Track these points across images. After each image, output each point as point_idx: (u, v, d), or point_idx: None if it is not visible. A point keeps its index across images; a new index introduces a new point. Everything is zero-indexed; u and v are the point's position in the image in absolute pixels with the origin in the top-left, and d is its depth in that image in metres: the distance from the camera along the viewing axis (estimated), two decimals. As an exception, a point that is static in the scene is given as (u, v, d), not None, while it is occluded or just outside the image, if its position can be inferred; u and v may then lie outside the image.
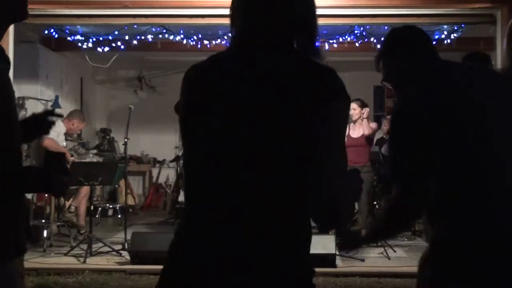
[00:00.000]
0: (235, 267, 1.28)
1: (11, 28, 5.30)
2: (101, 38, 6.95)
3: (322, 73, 1.34)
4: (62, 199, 6.26)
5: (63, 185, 1.65)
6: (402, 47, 1.94)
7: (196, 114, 1.36)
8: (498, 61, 5.05)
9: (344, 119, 1.34)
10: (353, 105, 6.18)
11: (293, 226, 1.30)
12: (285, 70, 1.32)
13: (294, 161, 1.27)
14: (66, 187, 1.69)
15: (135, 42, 6.88)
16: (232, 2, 1.42)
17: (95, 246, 5.54)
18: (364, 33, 6.63)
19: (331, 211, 1.30)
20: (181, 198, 7.63)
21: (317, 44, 1.44)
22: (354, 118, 6.16)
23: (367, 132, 6.06)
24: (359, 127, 6.17)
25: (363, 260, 5.36)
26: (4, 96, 1.56)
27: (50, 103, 7.46)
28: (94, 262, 5.23)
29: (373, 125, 6.30)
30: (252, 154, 1.28)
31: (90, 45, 6.98)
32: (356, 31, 6.56)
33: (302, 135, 1.26)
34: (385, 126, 7.33)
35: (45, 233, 5.87)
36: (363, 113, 6.15)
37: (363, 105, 6.22)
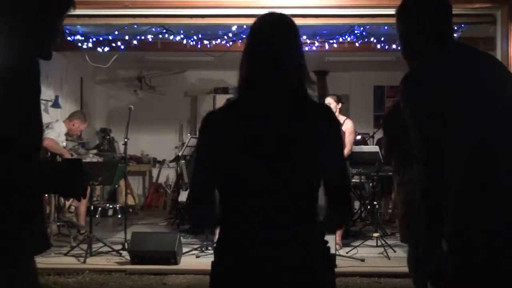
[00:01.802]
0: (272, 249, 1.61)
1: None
2: (101, 38, 6.94)
3: (323, 110, 1.70)
4: (62, 199, 6.26)
5: (85, 189, 1.73)
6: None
7: (228, 149, 1.65)
8: (498, 61, 5.05)
9: (341, 140, 1.72)
10: (329, 100, 6.18)
11: (308, 224, 1.65)
12: (294, 109, 1.64)
13: (309, 181, 1.64)
14: (86, 191, 1.77)
15: (135, 42, 6.87)
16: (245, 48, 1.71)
17: (95, 246, 5.54)
18: (364, 33, 6.62)
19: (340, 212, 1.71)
20: (181, 198, 7.63)
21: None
22: None
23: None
24: None
25: (363, 260, 5.36)
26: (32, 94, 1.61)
27: (50, 103, 7.46)
28: (94, 262, 5.23)
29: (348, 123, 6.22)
30: (277, 178, 1.62)
31: (90, 45, 6.97)
32: (356, 31, 6.55)
33: (312, 158, 1.62)
34: None
35: (45, 233, 5.86)
36: (339, 108, 6.14)
37: (338, 100, 6.21)
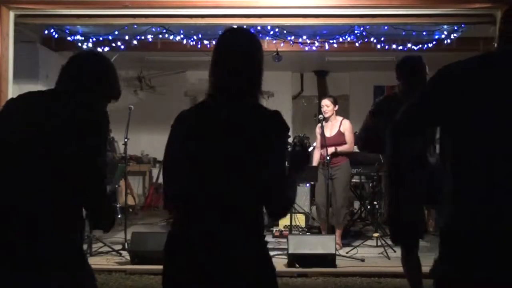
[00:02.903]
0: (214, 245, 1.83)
1: (11, 28, 5.31)
2: (101, 38, 6.94)
3: (271, 116, 1.89)
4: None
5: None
6: None
7: (186, 145, 1.93)
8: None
9: (285, 144, 1.91)
10: (326, 102, 6.19)
11: (251, 217, 1.87)
12: (246, 116, 1.90)
13: (252, 177, 1.84)
14: None
15: (135, 42, 6.88)
16: (212, 58, 2.07)
17: (95, 246, 5.54)
18: (364, 33, 6.62)
19: (281, 202, 1.92)
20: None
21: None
22: (327, 115, 6.14)
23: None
24: (331, 125, 6.15)
25: (363, 260, 5.36)
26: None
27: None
28: (94, 262, 5.23)
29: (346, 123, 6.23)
30: (225, 173, 1.84)
31: (90, 45, 6.97)
32: (356, 31, 6.56)
33: (257, 159, 1.83)
34: None
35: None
36: (336, 110, 6.15)
37: (335, 102, 6.22)
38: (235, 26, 2.08)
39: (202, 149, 1.89)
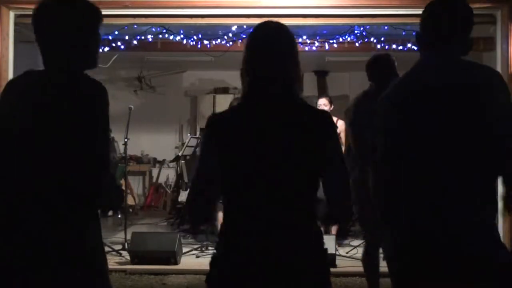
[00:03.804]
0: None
1: (11, 28, 5.31)
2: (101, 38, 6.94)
3: (321, 116, 1.80)
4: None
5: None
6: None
7: (231, 150, 1.74)
8: (498, 61, 5.05)
9: (338, 142, 1.82)
10: (324, 101, 6.22)
11: (308, 223, 1.76)
12: (292, 115, 1.75)
13: (307, 182, 1.74)
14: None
15: (135, 42, 6.87)
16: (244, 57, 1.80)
17: (95, 246, 5.53)
18: (364, 33, 6.62)
19: (342, 208, 1.81)
20: (181, 198, 7.63)
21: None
22: None
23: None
24: None
25: (363, 260, 5.36)
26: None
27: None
28: (94, 262, 5.22)
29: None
30: (276, 181, 1.70)
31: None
32: (356, 31, 6.55)
33: (310, 160, 1.72)
34: None
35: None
36: (331, 110, 6.16)
37: (331, 102, 6.25)
38: (266, 20, 1.88)
39: (252, 155, 1.72)
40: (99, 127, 1.76)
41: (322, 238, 1.81)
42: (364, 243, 3.99)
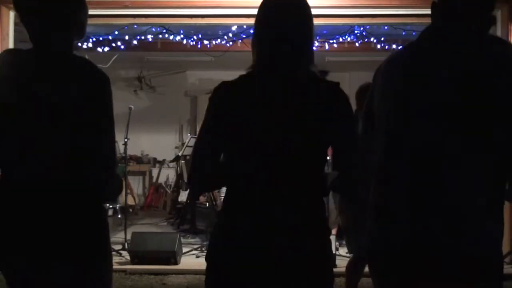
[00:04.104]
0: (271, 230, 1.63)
1: (11, 28, 5.31)
2: (101, 38, 6.95)
3: (331, 86, 1.70)
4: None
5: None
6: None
7: (235, 119, 1.67)
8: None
9: (350, 112, 1.75)
10: None
11: (315, 199, 1.69)
12: (303, 86, 1.68)
13: (317, 153, 1.68)
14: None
15: (135, 42, 6.88)
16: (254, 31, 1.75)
17: (95, 246, 5.53)
18: (364, 33, 6.63)
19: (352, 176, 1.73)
20: (181, 198, 7.63)
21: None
22: None
23: None
24: None
25: (363, 260, 5.37)
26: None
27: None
28: (94, 262, 5.23)
29: None
30: (284, 151, 1.64)
31: (90, 45, 6.98)
32: (356, 31, 6.56)
33: (321, 132, 1.66)
34: None
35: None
36: None
37: None
38: None
39: (257, 123, 1.66)
40: (102, 115, 1.73)
41: (327, 230, 1.73)
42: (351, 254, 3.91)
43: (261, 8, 1.76)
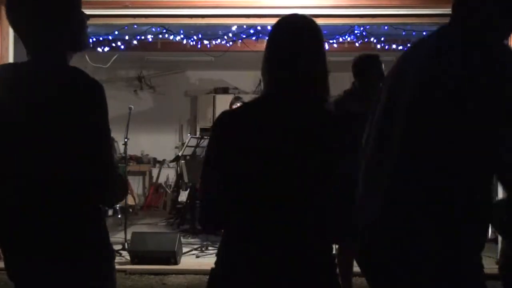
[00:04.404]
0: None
1: (11, 28, 5.31)
2: (101, 38, 6.95)
3: (341, 121, 1.60)
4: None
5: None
6: None
7: (241, 153, 1.56)
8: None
9: (356, 153, 1.61)
10: None
11: (321, 243, 1.58)
12: (311, 118, 1.57)
13: (323, 192, 1.54)
14: None
15: (135, 42, 6.88)
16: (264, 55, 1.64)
17: (95, 246, 5.53)
18: (364, 33, 6.62)
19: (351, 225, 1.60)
20: (181, 198, 7.63)
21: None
22: None
23: None
24: None
25: (363, 260, 5.36)
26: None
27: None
28: (94, 262, 5.23)
29: None
30: (290, 188, 1.53)
31: (90, 45, 6.98)
32: (356, 31, 6.56)
33: (328, 168, 1.52)
34: None
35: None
36: None
37: None
38: (291, 14, 1.74)
39: (264, 157, 1.54)
40: (98, 124, 1.69)
41: (334, 268, 1.64)
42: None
43: (272, 33, 1.68)
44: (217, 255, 1.66)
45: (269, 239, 1.53)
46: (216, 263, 1.65)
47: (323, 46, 1.68)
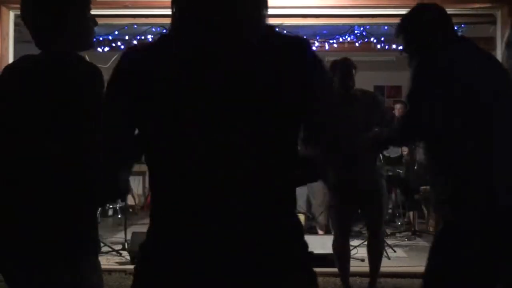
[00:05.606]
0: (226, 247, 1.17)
1: (11, 28, 5.31)
2: (101, 38, 6.94)
3: (296, 42, 1.30)
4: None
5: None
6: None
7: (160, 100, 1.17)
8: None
9: (324, 74, 1.33)
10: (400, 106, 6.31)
11: (283, 213, 1.25)
12: (264, 44, 1.22)
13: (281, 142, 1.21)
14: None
15: (135, 42, 6.88)
16: None
17: (95, 246, 5.53)
18: (364, 33, 6.63)
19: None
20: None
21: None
22: None
23: None
24: None
25: (363, 260, 5.35)
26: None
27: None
28: (94, 262, 5.23)
29: None
30: (233, 144, 1.15)
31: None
32: (356, 31, 6.57)
33: (284, 109, 1.19)
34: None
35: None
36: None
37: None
38: None
39: (193, 96, 1.15)
40: (94, 112, 1.60)
41: (301, 231, 1.31)
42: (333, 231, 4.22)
43: None
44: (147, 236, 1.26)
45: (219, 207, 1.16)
46: (147, 240, 1.25)
47: None
